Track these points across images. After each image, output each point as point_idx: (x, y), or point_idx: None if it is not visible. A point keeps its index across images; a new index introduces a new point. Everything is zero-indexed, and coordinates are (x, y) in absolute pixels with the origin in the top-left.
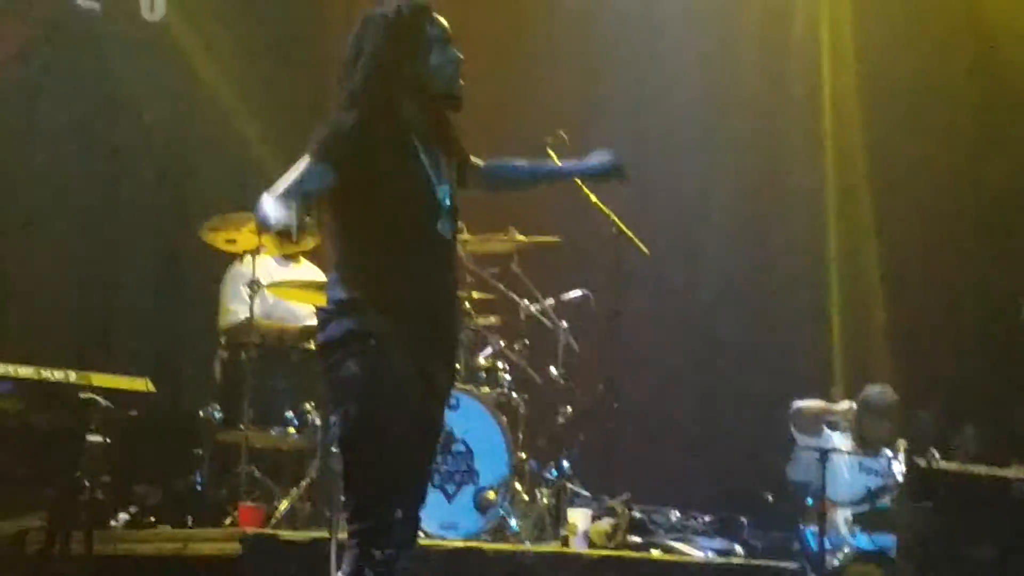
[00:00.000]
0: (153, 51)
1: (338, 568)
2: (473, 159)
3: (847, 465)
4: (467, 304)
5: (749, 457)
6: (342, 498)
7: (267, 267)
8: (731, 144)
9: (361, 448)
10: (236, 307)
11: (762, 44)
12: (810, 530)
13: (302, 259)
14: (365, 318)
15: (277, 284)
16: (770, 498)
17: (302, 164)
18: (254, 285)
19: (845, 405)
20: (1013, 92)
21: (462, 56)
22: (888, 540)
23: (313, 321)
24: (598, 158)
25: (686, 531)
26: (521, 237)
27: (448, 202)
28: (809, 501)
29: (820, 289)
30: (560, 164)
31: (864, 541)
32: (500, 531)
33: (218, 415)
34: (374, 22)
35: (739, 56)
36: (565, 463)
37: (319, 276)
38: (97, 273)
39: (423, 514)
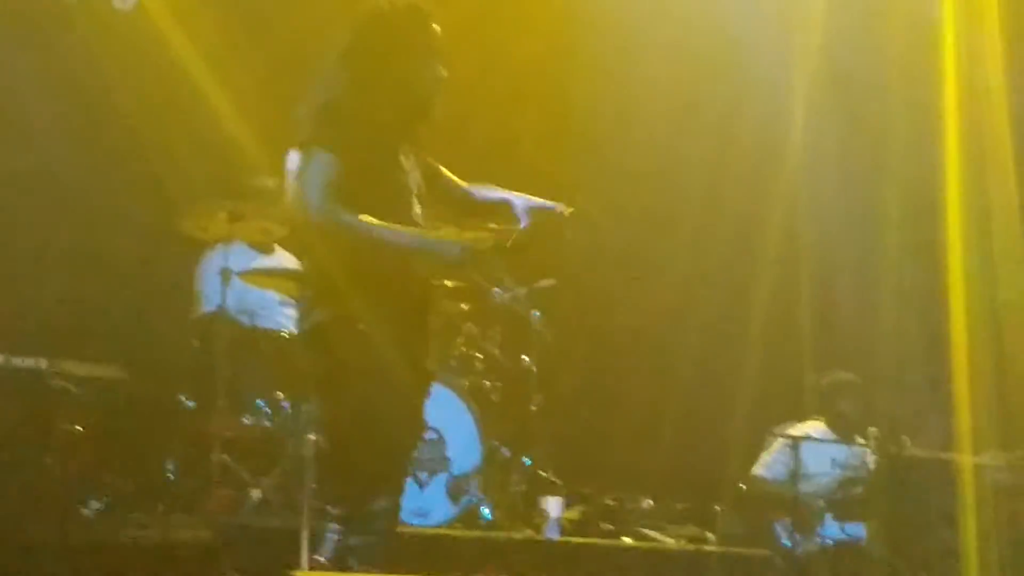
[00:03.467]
0: (126, 39)
1: (311, 554)
2: (439, 167)
3: (818, 457)
4: (440, 291)
5: (723, 446)
6: (313, 486)
7: (241, 256)
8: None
9: (344, 435)
10: (206, 297)
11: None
12: (781, 524)
13: (276, 247)
14: (345, 306)
15: (250, 272)
16: (743, 486)
17: (316, 161)
18: (225, 273)
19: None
20: None
21: (445, 74)
22: (860, 529)
23: (284, 311)
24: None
25: (658, 519)
26: (495, 225)
27: (416, 192)
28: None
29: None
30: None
31: (836, 530)
32: (473, 519)
33: (190, 403)
34: (372, 13)
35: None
36: (538, 451)
37: (293, 264)
38: (70, 261)
39: None
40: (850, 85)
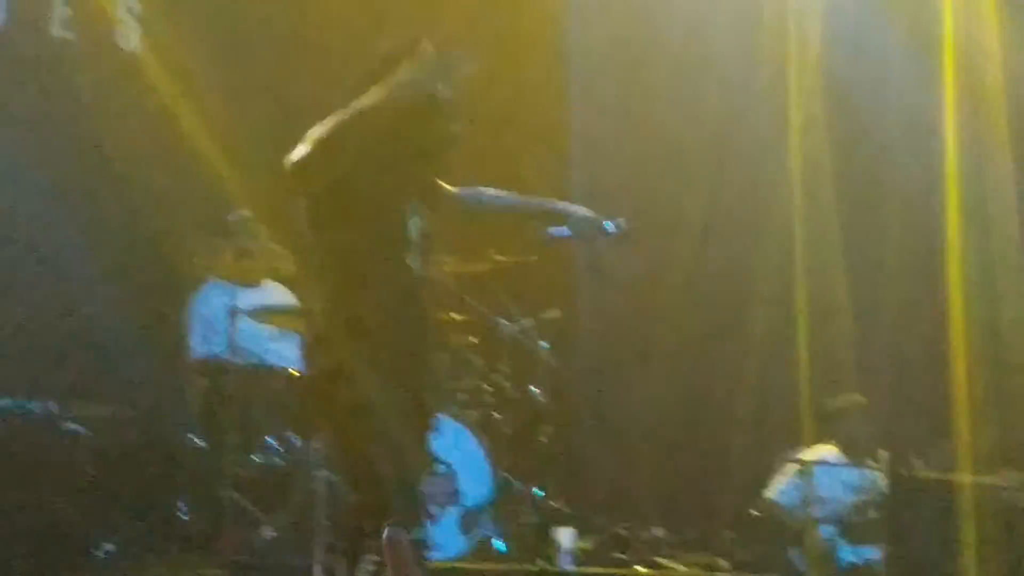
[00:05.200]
0: (128, 80)
1: None
2: (444, 185)
3: (830, 481)
4: (447, 326)
5: (734, 472)
6: (326, 522)
7: (242, 294)
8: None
9: (352, 472)
10: (195, 342)
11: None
12: (794, 549)
13: (264, 281)
14: (344, 352)
15: (257, 310)
16: (755, 513)
17: None
18: (233, 311)
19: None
20: None
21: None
22: (874, 552)
23: (290, 348)
24: (583, 219)
25: (670, 547)
26: (500, 257)
27: (415, 235)
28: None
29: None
30: (543, 203)
31: (849, 555)
32: (486, 551)
33: (200, 442)
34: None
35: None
36: (549, 481)
37: (288, 298)
38: (79, 303)
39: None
40: (847, 96)
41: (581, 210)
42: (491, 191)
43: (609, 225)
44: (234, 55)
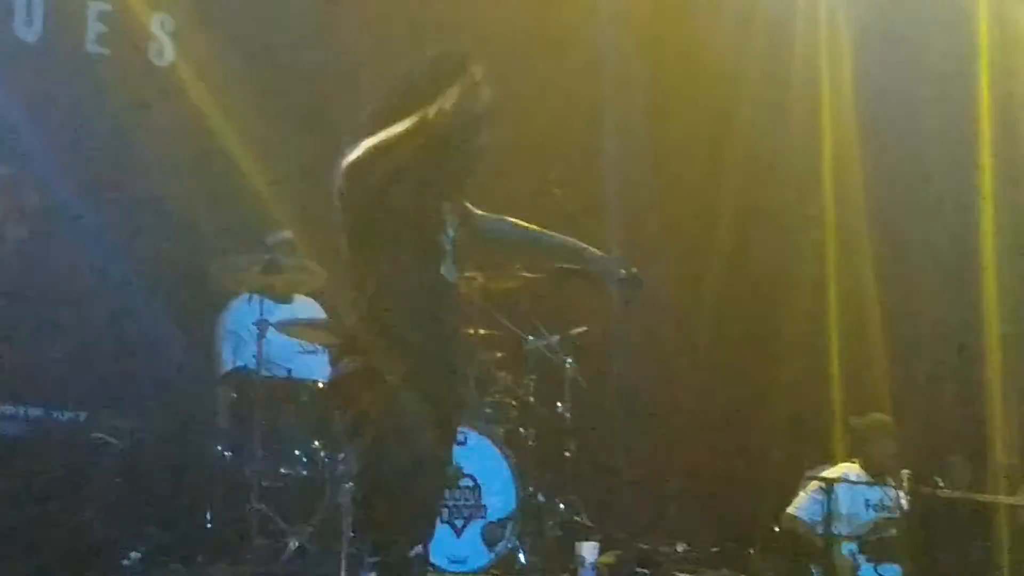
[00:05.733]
0: (162, 95)
1: None
2: (470, 207)
3: (852, 498)
4: (475, 341)
5: (757, 488)
6: (352, 534)
7: (269, 307)
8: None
9: (375, 484)
10: (225, 355)
11: None
12: (816, 569)
13: (297, 296)
14: (374, 356)
15: (285, 323)
16: (777, 529)
17: None
18: (262, 324)
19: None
20: None
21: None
22: (894, 570)
23: (316, 360)
24: (609, 267)
25: (693, 562)
26: (527, 273)
27: (450, 247)
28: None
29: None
30: (566, 242)
31: (870, 572)
32: (509, 565)
33: (227, 453)
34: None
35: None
36: (572, 496)
37: (318, 313)
38: (105, 313)
39: (432, 548)
40: (883, 107)
41: (597, 253)
42: (513, 222)
43: (623, 272)
44: (268, 71)
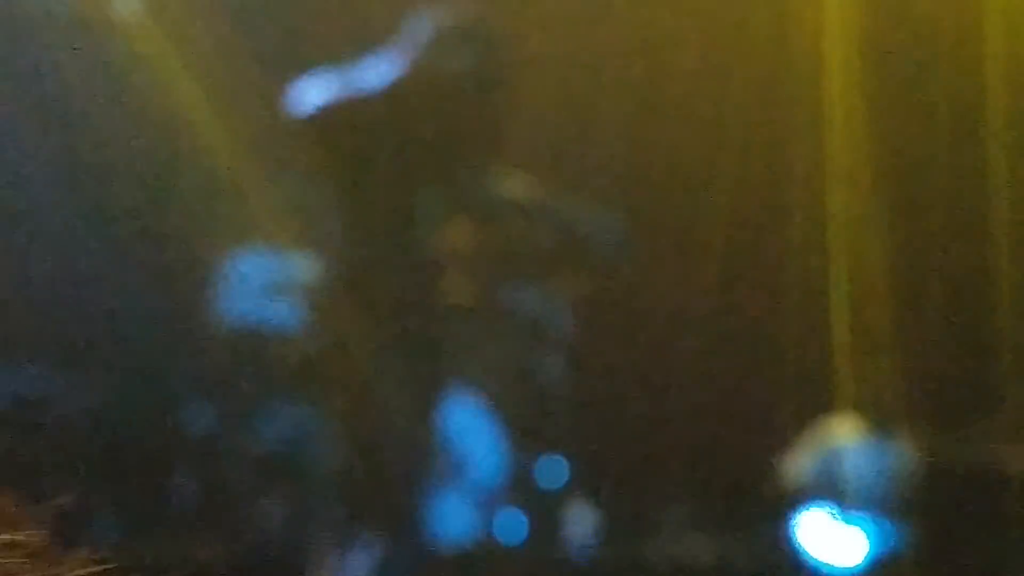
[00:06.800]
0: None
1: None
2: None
3: (859, 457)
4: (465, 302)
5: (755, 447)
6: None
7: (255, 265)
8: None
9: (361, 452)
10: (223, 308)
11: None
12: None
13: (280, 253)
14: (357, 319)
15: (269, 281)
16: (778, 488)
17: None
18: (244, 281)
19: None
20: None
21: None
22: (903, 531)
23: (301, 321)
24: None
25: (692, 524)
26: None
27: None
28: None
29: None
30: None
31: (877, 532)
32: (500, 532)
33: (205, 418)
34: None
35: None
36: (570, 463)
37: (305, 271)
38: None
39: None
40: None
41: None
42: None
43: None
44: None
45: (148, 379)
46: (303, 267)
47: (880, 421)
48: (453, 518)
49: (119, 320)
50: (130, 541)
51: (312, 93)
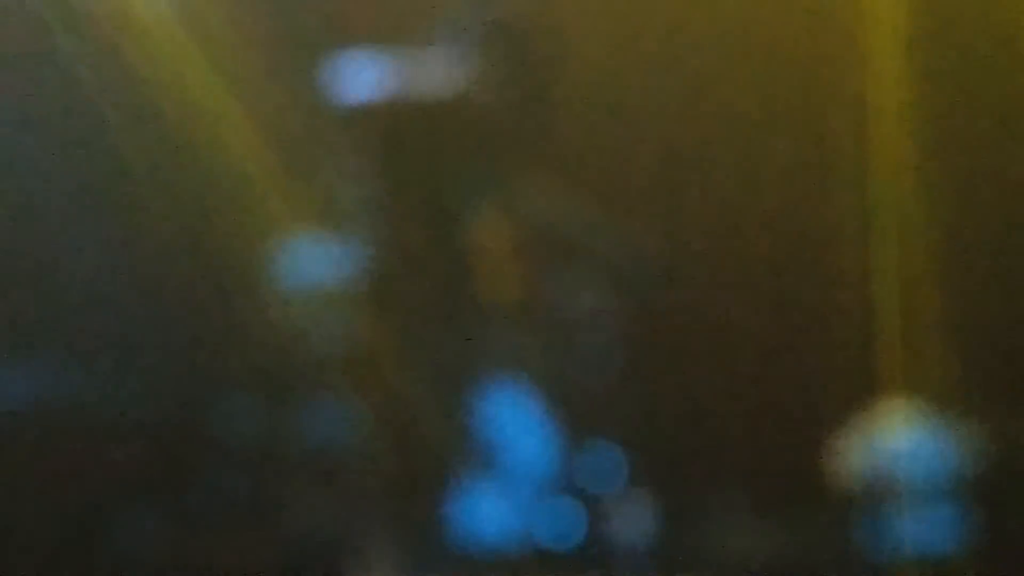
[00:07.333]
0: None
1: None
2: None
3: (913, 448)
4: (506, 293)
5: (810, 440)
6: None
7: (289, 258)
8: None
9: (394, 443)
10: (246, 313)
11: None
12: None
13: (319, 247)
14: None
15: (300, 275)
16: (832, 481)
17: None
18: (287, 279)
19: None
20: None
21: None
22: (957, 523)
23: (334, 316)
24: None
25: (742, 516)
26: None
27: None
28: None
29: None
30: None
31: (931, 524)
32: (542, 526)
33: (243, 414)
34: None
35: None
36: (615, 454)
37: (345, 267)
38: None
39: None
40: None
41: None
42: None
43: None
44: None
45: (185, 378)
46: (342, 263)
47: (937, 406)
48: (500, 516)
49: (156, 319)
50: (165, 543)
51: (350, 90)
